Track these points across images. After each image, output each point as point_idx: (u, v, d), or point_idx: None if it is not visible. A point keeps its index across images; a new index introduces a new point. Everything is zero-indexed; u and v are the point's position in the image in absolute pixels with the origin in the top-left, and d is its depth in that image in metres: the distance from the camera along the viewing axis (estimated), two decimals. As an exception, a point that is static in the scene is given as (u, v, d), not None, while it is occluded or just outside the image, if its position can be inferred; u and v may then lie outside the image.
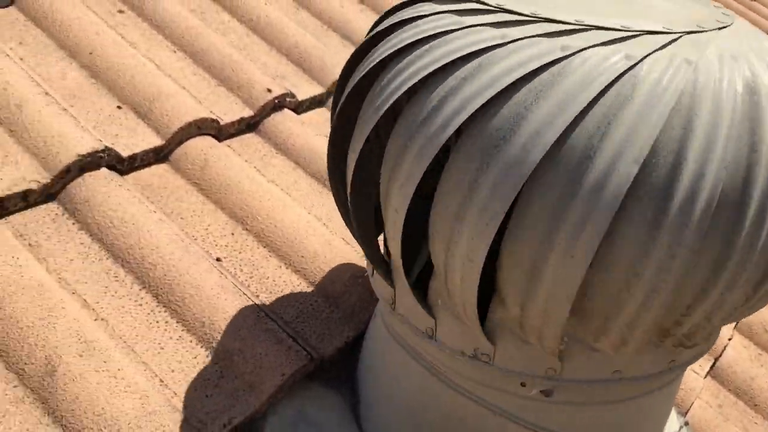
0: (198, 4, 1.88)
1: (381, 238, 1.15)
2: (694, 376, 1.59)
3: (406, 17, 0.95)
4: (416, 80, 0.85)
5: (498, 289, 0.90)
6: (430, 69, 0.84)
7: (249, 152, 1.57)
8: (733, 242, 0.79)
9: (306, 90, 1.77)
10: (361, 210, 1.01)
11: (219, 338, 1.17)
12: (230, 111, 1.59)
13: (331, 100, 1.82)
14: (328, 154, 1.04)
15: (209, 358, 1.15)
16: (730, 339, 1.76)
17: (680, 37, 0.86)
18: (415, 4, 0.98)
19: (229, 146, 1.56)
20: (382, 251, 1.08)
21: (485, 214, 0.80)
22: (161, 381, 1.11)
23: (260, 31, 1.87)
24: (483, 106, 0.79)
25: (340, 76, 1.03)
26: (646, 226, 0.77)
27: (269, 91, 1.63)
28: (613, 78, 0.77)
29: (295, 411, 1.17)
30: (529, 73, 0.78)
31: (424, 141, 0.82)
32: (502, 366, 0.96)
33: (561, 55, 0.79)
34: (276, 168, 1.56)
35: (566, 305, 0.83)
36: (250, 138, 1.61)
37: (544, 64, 0.79)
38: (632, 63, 0.79)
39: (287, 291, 1.31)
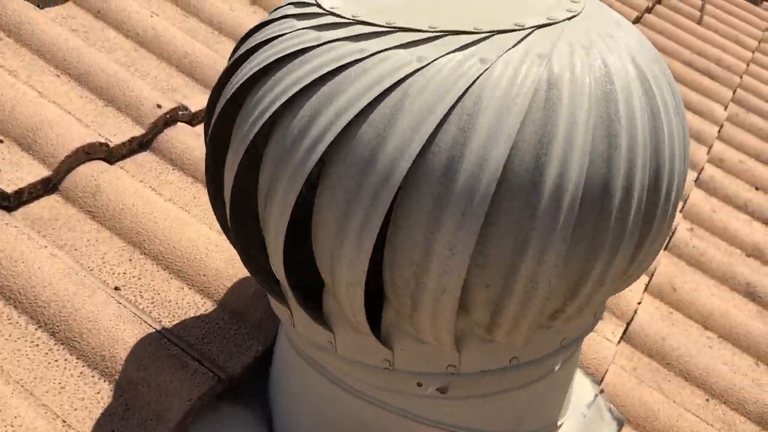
0: (80, 23, 1.82)
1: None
2: (607, 344, 1.64)
3: (268, 36, 0.94)
4: (279, 104, 0.84)
5: (387, 296, 0.91)
6: (293, 91, 0.84)
7: (143, 172, 1.54)
8: (603, 228, 0.82)
9: (199, 100, 1.74)
10: (245, 235, 1.00)
11: (122, 370, 1.16)
12: (120, 131, 1.56)
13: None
14: (207, 180, 1.03)
15: (113, 391, 1.14)
16: (639, 303, 1.81)
17: (532, 32, 0.87)
18: (276, 21, 0.97)
19: (122, 168, 1.52)
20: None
21: (362, 231, 0.80)
22: (64, 421, 1.08)
23: (148, 45, 1.82)
24: (346, 127, 0.79)
25: (209, 100, 1.02)
26: (518, 224, 0.79)
27: (159, 106, 1.60)
28: (468, 84, 0.78)
29: (207, 434, 1.16)
30: (387, 89, 0.79)
31: (291, 171, 0.82)
32: (403, 369, 0.97)
33: (417, 66, 0.80)
34: (173, 185, 1.54)
35: (453, 304, 0.84)
36: (143, 157, 1.57)
37: (401, 78, 0.79)
38: (486, 66, 0.80)
39: (191, 312, 1.29)
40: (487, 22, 0.87)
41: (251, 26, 2.02)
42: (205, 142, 1.01)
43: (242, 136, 0.88)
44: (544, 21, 0.89)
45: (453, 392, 0.99)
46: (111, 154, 1.52)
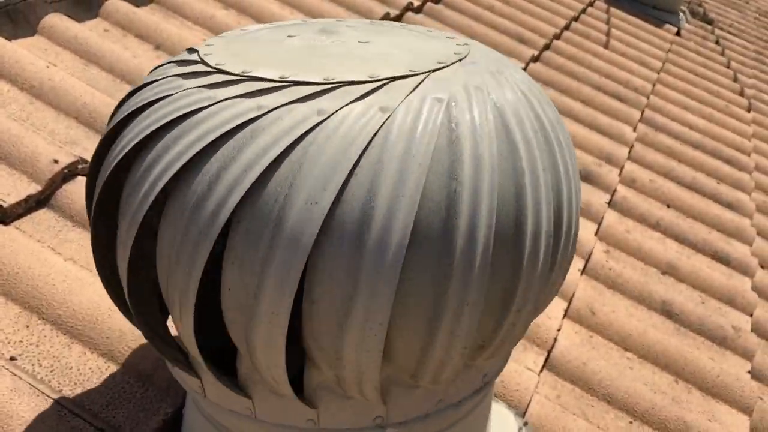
0: (-30, 76, 1.75)
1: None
2: (529, 374, 1.64)
3: (153, 98, 0.89)
4: (181, 164, 0.80)
5: (308, 356, 0.88)
6: (193, 152, 0.80)
7: (41, 231, 1.47)
8: (517, 269, 0.82)
9: (101, 152, 1.68)
10: (145, 310, 0.95)
11: (17, 448, 1.09)
12: (15, 190, 1.49)
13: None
14: (94, 256, 0.97)
15: (8, 472, 1.07)
16: (558, 330, 1.83)
17: (427, 76, 0.87)
18: (160, 81, 0.93)
19: (18, 228, 1.45)
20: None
21: (276, 299, 0.77)
22: None
23: (44, 97, 1.76)
24: (250, 188, 0.77)
25: (90, 166, 0.96)
26: (434, 276, 0.78)
27: (56, 161, 1.54)
28: (372, 134, 0.76)
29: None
30: (289, 145, 0.76)
31: (195, 238, 0.78)
32: (329, 427, 0.94)
33: (318, 120, 0.78)
34: (74, 243, 1.47)
35: (376, 364, 0.82)
36: (41, 215, 1.51)
37: (303, 133, 0.77)
38: (387, 115, 0.79)
39: (95, 378, 1.23)
40: (382, 71, 0.86)
41: (155, 72, 1.98)
42: (89, 216, 0.95)
43: (134, 210, 0.83)
44: (435, 66, 0.89)
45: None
46: (5, 215, 1.45)
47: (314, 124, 0.78)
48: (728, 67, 4.39)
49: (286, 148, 0.77)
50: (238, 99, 0.82)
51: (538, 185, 0.83)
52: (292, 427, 0.95)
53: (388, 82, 0.85)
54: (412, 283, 0.78)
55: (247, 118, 0.79)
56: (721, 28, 5.24)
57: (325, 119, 0.78)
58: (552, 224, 0.86)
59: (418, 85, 0.84)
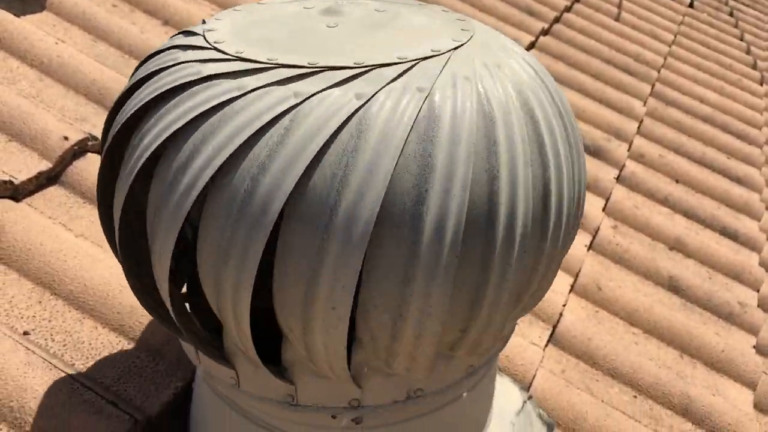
0: (-20, 53, 1.76)
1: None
2: (534, 348, 1.66)
3: (155, 68, 0.92)
4: (160, 141, 0.82)
5: (282, 332, 0.90)
6: (173, 129, 0.82)
7: (53, 207, 1.49)
8: (488, 259, 0.81)
9: (111, 129, 1.69)
10: (138, 271, 0.97)
11: (32, 421, 1.12)
12: (26, 167, 1.51)
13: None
14: (99, 208, 1.00)
15: (23, 443, 1.10)
16: (564, 305, 1.84)
17: (415, 65, 0.86)
18: (165, 52, 0.95)
19: (29, 205, 1.47)
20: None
21: (241, 268, 0.78)
22: (-29, 480, 1.04)
23: (53, 74, 1.77)
24: (224, 164, 0.78)
25: (104, 128, 0.99)
26: (401, 260, 0.78)
27: (66, 138, 1.56)
28: (343, 120, 0.77)
29: (126, 478, 1.13)
30: (264, 125, 0.78)
31: (173, 207, 0.80)
32: (307, 404, 0.96)
33: (294, 102, 0.79)
34: (84, 219, 1.49)
35: (342, 344, 0.83)
36: (53, 192, 1.53)
37: (278, 114, 0.78)
38: (362, 102, 0.79)
39: (106, 353, 1.26)
40: (370, 57, 0.86)
41: (163, 48, 1.99)
42: (97, 182, 0.98)
43: (126, 174, 0.86)
44: (428, 53, 0.89)
45: (367, 422, 0.98)
46: (17, 191, 1.47)
47: (290, 105, 0.79)
48: (742, 40, 4.34)
49: (262, 127, 0.78)
50: (224, 78, 0.84)
51: (516, 175, 0.82)
52: (273, 401, 0.98)
53: (371, 69, 0.85)
54: (378, 263, 0.79)
55: (226, 98, 0.81)
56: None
57: (301, 102, 0.79)
58: (530, 217, 0.85)
59: (402, 74, 0.84)
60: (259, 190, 0.77)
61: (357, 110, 0.78)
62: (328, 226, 0.75)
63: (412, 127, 0.78)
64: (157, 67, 0.92)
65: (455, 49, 0.90)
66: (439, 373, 0.96)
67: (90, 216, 1.50)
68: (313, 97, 0.79)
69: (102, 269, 1.36)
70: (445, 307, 0.81)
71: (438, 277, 0.78)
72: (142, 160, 0.84)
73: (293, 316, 0.82)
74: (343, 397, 0.95)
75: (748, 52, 4.17)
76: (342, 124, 0.76)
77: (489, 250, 0.81)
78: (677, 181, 2.64)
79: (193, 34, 0.97)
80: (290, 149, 0.76)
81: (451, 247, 0.78)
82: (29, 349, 1.20)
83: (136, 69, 1.00)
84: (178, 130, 0.82)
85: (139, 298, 0.97)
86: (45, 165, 1.53)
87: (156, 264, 0.85)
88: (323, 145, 0.75)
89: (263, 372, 0.92)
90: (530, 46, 3.04)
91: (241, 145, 0.77)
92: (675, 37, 3.89)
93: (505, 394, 1.52)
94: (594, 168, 2.49)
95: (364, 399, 0.95)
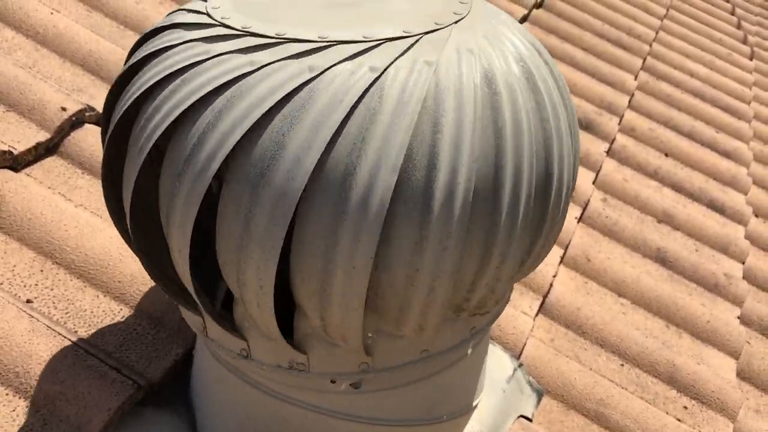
0: (-25, 23, 1.76)
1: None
2: (525, 318, 1.70)
3: (158, 47, 0.93)
4: (173, 118, 0.84)
5: (297, 304, 0.93)
6: (185, 106, 0.84)
7: (51, 178, 1.51)
8: (495, 224, 0.85)
9: (108, 100, 1.70)
10: (149, 247, 1.00)
11: (37, 385, 1.15)
12: (24, 138, 1.52)
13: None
14: (104, 190, 1.02)
15: (29, 408, 1.13)
16: (554, 276, 1.88)
17: (420, 38, 0.89)
18: (167, 30, 0.96)
19: (29, 175, 1.49)
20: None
21: (265, 244, 0.81)
22: (-21, 443, 1.07)
23: (50, 44, 1.77)
24: (242, 139, 0.80)
25: (105, 106, 1.01)
26: (415, 227, 0.82)
27: (64, 109, 1.57)
28: (360, 93, 0.79)
29: (130, 441, 1.17)
30: (281, 99, 0.80)
31: (189, 184, 0.82)
32: (317, 371, 0.99)
33: (309, 76, 0.81)
34: (83, 189, 1.51)
35: (359, 310, 0.86)
36: (51, 162, 1.54)
37: (294, 89, 0.80)
38: (376, 75, 0.82)
39: (107, 320, 1.28)
40: (376, 31, 0.88)
41: (158, 19, 1.99)
42: (102, 156, 1.00)
43: (137, 151, 0.87)
44: (432, 27, 0.91)
45: (365, 386, 1.02)
46: (16, 161, 1.49)
47: (305, 80, 0.81)
48: (732, 14, 4.36)
49: (277, 102, 0.80)
50: (235, 54, 0.85)
51: (521, 144, 0.86)
52: (283, 369, 1.01)
53: (380, 43, 0.87)
54: (393, 232, 0.82)
55: (241, 73, 0.83)
56: (728, -27, 5.17)
57: (316, 76, 0.81)
58: (533, 185, 0.89)
59: (410, 47, 0.87)
60: (278, 167, 0.79)
61: (373, 83, 0.80)
62: (348, 194, 0.78)
63: (423, 99, 0.81)
64: (161, 46, 0.92)
65: (456, 22, 0.92)
66: (444, 334, 1.00)
67: (89, 186, 1.52)
68: (328, 71, 0.81)
69: (102, 239, 1.38)
70: (453, 269, 0.85)
71: (450, 238, 0.82)
72: (153, 139, 0.85)
73: (311, 283, 0.84)
74: (354, 362, 0.98)
75: (738, 26, 4.18)
76: (360, 96, 0.79)
77: (496, 216, 0.85)
78: (666, 155, 2.67)
79: (196, 11, 0.98)
80: (309, 124, 0.78)
81: (461, 215, 0.82)
82: (33, 317, 1.22)
83: (135, 46, 1.00)
84: (190, 106, 0.83)
85: (152, 275, 0.99)
86: (43, 135, 1.54)
87: (174, 244, 0.88)
88: (344, 117, 0.78)
89: (278, 343, 0.95)
90: (523, 19, 3.05)
91: (258, 121, 0.79)
92: (667, 11, 3.90)
93: (497, 362, 1.57)
94: (585, 142, 2.51)
95: (374, 362, 0.99)
